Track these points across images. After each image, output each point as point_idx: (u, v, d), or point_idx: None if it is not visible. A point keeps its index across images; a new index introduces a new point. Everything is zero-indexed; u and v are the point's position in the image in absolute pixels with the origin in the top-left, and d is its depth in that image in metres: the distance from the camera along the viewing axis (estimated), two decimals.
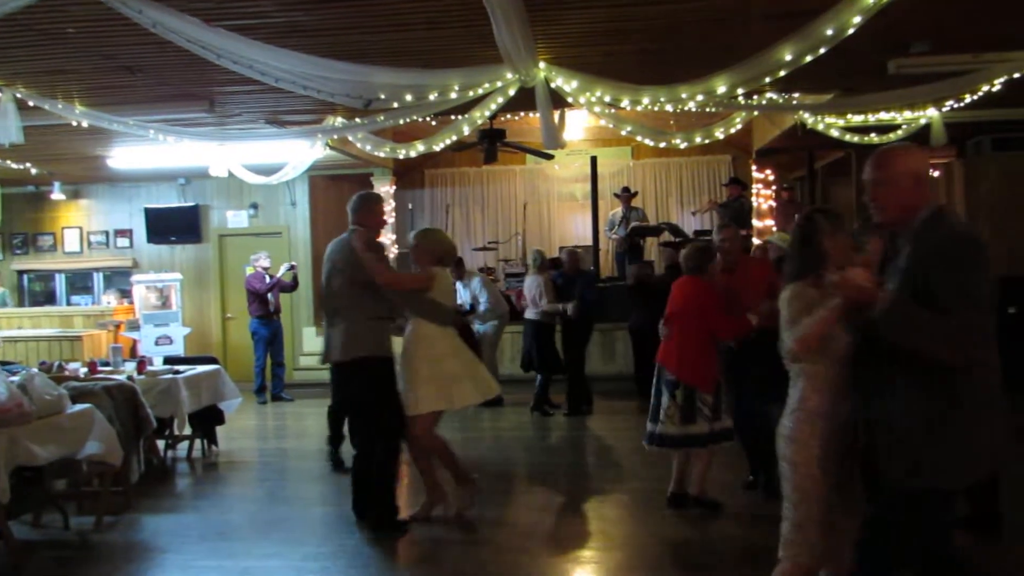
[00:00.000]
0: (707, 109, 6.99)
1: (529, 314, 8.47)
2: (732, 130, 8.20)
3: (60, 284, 12.87)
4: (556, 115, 7.66)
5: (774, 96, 7.37)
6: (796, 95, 7.51)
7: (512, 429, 7.99)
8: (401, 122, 7.14)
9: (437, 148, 8.21)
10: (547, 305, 8.24)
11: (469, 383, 4.93)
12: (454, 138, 7.87)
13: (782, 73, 5.28)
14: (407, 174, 13.54)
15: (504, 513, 5.30)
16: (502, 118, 8.81)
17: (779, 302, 2.89)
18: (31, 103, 6.46)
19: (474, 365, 5.08)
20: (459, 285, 8.86)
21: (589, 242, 11.82)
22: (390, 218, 12.19)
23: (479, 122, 7.05)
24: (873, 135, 8.58)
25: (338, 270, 4.84)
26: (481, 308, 8.84)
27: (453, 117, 7.56)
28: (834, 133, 8.32)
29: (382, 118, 6.86)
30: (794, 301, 2.80)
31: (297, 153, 9.07)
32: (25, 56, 5.78)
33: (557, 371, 8.47)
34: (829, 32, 4.71)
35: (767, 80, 5.54)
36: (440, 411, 4.95)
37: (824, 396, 2.78)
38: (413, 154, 8.56)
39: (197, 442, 7.10)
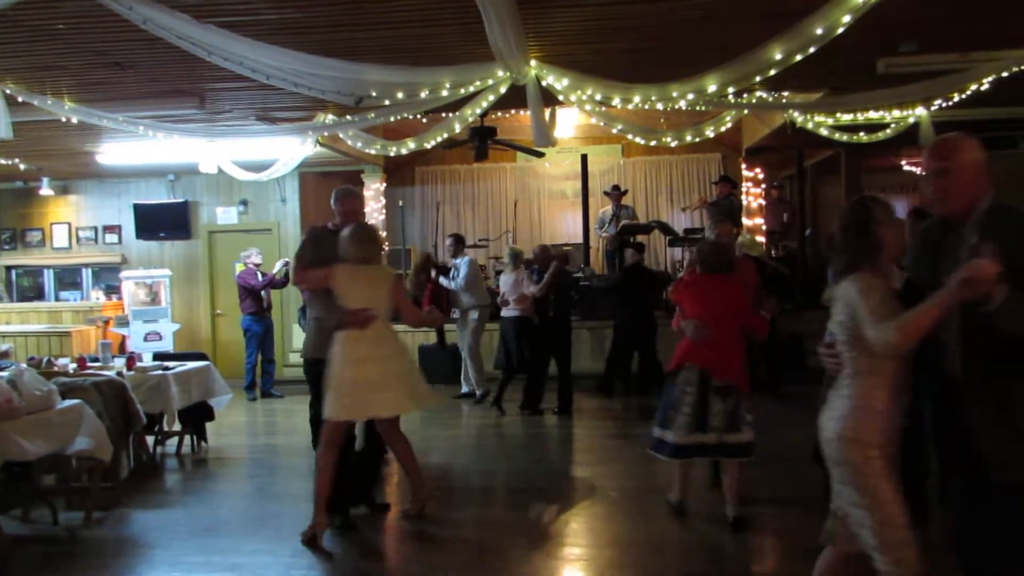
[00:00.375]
0: (697, 108, 7.04)
1: (508, 312, 8.39)
2: (722, 128, 8.24)
3: (48, 280, 12.81)
4: (547, 113, 7.69)
5: (764, 95, 7.43)
6: (786, 94, 7.56)
7: (499, 427, 8.00)
8: (392, 119, 7.14)
9: (428, 146, 8.22)
10: (536, 290, 8.17)
11: (362, 396, 4.47)
12: (445, 136, 7.87)
13: (772, 72, 5.32)
14: (398, 171, 13.54)
15: (493, 511, 5.31)
16: (493, 116, 8.82)
17: (840, 293, 2.69)
18: (20, 99, 6.44)
19: (384, 378, 4.51)
20: (455, 261, 9.11)
21: (580, 240, 11.86)
22: (380, 215, 12.21)
23: (470, 120, 7.06)
24: (862, 134, 8.65)
25: None
26: (455, 283, 8.86)
27: (444, 115, 7.58)
28: (823, 132, 8.37)
29: (373, 115, 6.87)
30: (873, 292, 2.59)
31: (287, 150, 9.06)
32: (15, 52, 5.76)
33: (542, 368, 8.37)
34: (819, 31, 4.75)
35: (757, 79, 5.57)
36: (342, 420, 4.58)
37: (889, 392, 2.66)
38: (404, 151, 8.56)
39: (187, 438, 7.08)
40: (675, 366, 4.62)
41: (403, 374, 4.66)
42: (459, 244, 9.21)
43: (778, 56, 5.05)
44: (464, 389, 9.20)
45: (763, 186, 11.71)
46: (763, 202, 11.63)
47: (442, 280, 8.92)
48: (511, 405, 8.43)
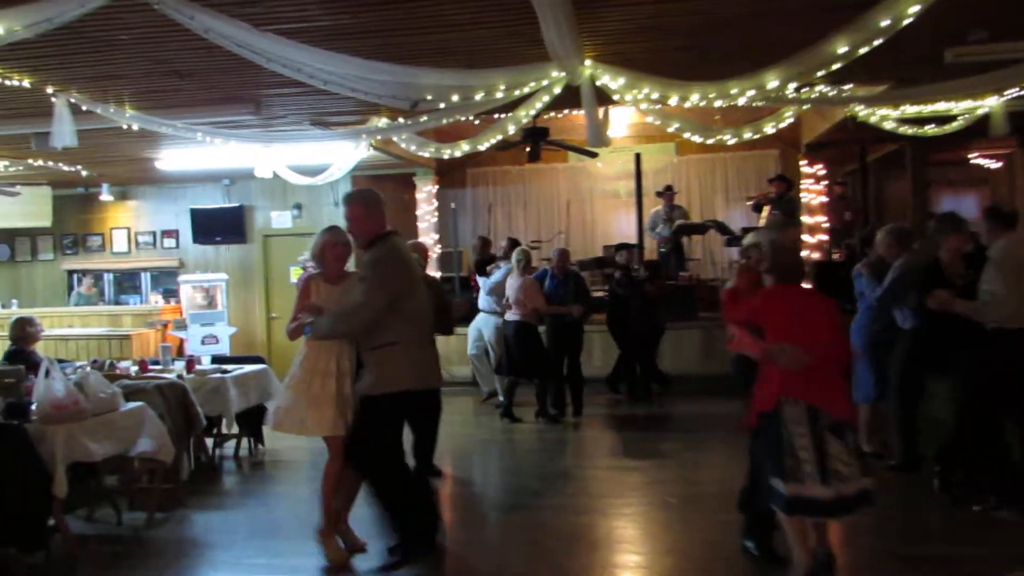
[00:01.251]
0: (755, 104, 6.86)
1: (511, 315, 8.04)
2: (782, 124, 8.04)
3: (109, 284, 13.16)
4: (600, 112, 7.60)
5: (825, 89, 7.20)
6: (848, 87, 7.33)
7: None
8: (444, 122, 7.13)
9: (482, 148, 8.18)
10: (541, 307, 7.92)
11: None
12: (499, 138, 7.83)
13: (836, 66, 5.16)
14: (449, 173, 13.57)
15: (548, 516, 5.23)
16: (545, 116, 8.74)
17: None
18: (84, 107, 6.60)
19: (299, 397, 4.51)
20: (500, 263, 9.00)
21: (634, 240, 11.69)
22: (432, 218, 12.26)
23: (524, 121, 7.01)
24: (929, 127, 8.34)
25: None
26: (484, 283, 8.78)
27: (497, 116, 7.54)
28: (888, 125, 8.09)
29: (425, 118, 6.88)
30: None
31: (342, 154, 9.13)
32: (80, 62, 5.90)
33: (549, 374, 8.09)
34: (884, 23, 4.58)
35: (820, 73, 5.41)
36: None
37: None
38: (458, 154, 8.54)
39: (244, 440, 7.16)
40: (773, 404, 3.73)
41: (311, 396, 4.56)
42: (510, 248, 8.92)
43: (842, 49, 4.89)
44: (485, 391, 9.03)
45: (824, 183, 11.42)
46: (824, 199, 11.34)
47: (477, 276, 8.82)
48: (524, 410, 8.22)
